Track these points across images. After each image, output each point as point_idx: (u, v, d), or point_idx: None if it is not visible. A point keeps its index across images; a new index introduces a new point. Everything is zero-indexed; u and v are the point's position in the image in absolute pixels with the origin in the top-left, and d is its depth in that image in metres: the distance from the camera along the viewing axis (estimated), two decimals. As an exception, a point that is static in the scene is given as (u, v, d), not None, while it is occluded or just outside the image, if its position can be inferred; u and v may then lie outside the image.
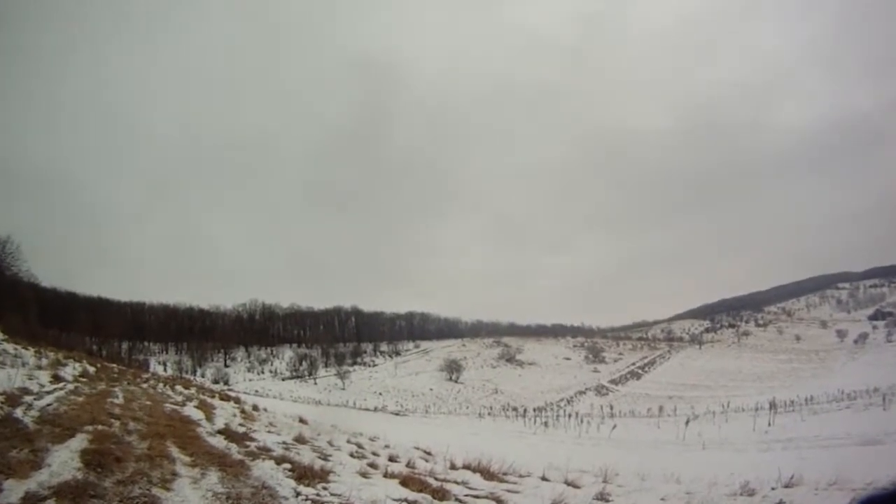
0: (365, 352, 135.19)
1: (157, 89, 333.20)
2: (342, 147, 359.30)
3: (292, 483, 7.47)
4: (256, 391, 75.27)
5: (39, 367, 22.29)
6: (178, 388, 30.84)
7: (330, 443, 13.60)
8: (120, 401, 16.22)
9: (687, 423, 36.36)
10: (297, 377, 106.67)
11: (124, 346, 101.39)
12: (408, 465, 10.86)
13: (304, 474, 8.00)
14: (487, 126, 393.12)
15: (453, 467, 10.75)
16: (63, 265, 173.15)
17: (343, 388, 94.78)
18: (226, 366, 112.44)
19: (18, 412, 10.33)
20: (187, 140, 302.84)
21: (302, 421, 20.69)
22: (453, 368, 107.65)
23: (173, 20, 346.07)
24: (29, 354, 26.64)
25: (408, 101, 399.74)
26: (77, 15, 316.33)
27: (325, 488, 7.45)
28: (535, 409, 68.40)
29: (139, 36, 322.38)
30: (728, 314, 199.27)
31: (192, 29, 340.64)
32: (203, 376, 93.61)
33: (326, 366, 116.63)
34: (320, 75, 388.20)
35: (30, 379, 16.76)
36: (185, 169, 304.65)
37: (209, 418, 15.22)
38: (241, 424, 15.18)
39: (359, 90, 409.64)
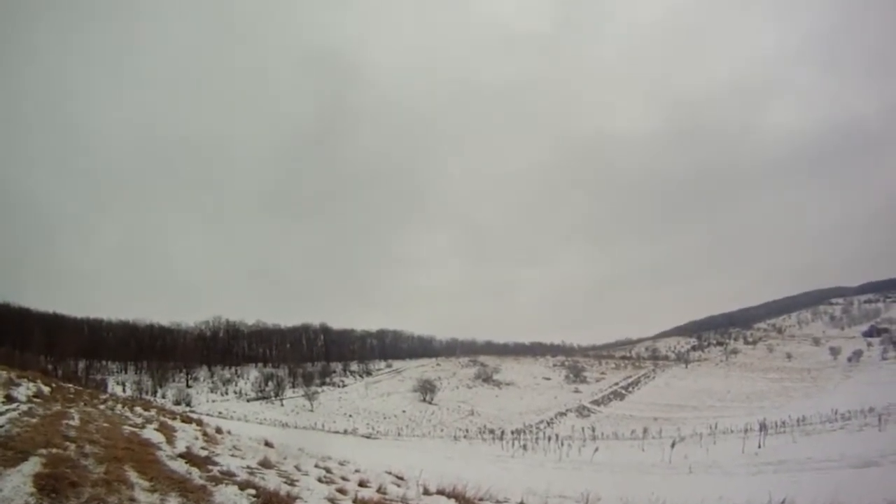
0: (334, 371, 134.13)
1: (103, 90, 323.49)
2: (303, 151, 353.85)
3: (257, 509, 7.41)
4: (220, 413, 74.21)
5: (-11, 387, 21.79)
6: (138, 409, 30.31)
7: (297, 467, 13.47)
8: (76, 422, 15.90)
9: (673, 445, 36.44)
10: (263, 398, 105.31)
11: (81, 364, 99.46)
12: (379, 490, 10.81)
13: (269, 500, 7.94)
14: (459, 129, 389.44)
15: (427, 493, 10.73)
16: (15, 279, 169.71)
17: (311, 410, 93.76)
18: (188, 386, 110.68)
19: (-34, 435, 10.10)
20: (137, 144, 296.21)
21: (268, 444, 20.47)
22: (427, 389, 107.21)
23: (120, 16, 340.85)
24: (-22, 373, 26.04)
25: (373, 99, 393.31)
26: (12, 10, 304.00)
27: (291, 514, 7.40)
28: (513, 432, 68.33)
29: (83, 33, 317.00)
30: (716, 331, 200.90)
31: (141, 25, 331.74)
32: (164, 397, 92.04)
33: (294, 386, 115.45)
34: (278, 72, 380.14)
35: (-21, 399, 16.40)
36: (135, 175, 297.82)
37: (170, 441, 14.99)
38: (203, 448, 14.97)
39: (320, 88, 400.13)
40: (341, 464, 16.90)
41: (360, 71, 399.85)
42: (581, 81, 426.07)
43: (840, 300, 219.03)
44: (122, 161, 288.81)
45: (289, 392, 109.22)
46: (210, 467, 10.71)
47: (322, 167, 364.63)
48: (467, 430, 76.26)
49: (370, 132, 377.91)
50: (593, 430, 69.27)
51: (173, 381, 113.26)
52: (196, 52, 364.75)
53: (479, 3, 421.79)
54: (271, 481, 9.99)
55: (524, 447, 48.70)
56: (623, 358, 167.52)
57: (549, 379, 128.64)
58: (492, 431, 70.56)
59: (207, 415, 52.68)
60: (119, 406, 31.29)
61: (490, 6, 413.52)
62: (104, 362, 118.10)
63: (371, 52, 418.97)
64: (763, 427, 40.52)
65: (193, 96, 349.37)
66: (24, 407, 17.63)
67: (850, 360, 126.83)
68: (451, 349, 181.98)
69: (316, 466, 14.54)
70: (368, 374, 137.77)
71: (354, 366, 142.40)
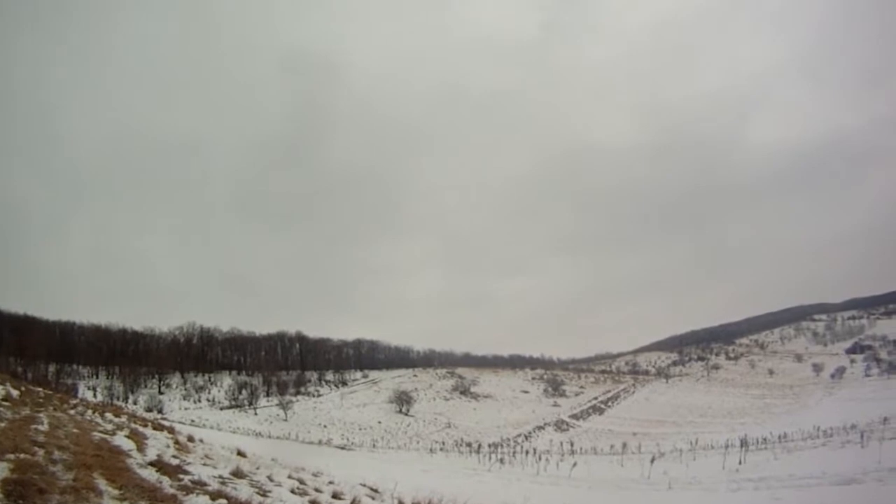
0: (309, 381, 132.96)
1: (77, 89, 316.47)
2: (279, 155, 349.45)
3: (229, 519, 7.39)
4: (192, 421, 73.40)
5: (-46, 390, 21.45)
6: (109, 415, 29.87)
7: (270, 478, 13.40)
8: (45, 428, 15.68)
9: (652, 460, 36.56)
10: (237, 407, 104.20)
11: (51, 368, 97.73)
12: (353, 502, 10.80)
13: (241, 511, 7.91)
14: (438, 136, 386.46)
15: (401, 505, 10.73)
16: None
17: (285, 420, 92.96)
18: (160, 393, 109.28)
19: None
20: (110, 144, 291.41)
21: (240, 453, 20.30)
22: (403, 400, 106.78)
23: (92, 14, 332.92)
24: (-56, 375, 25.61)
25: (350, 103, 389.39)
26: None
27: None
28: (490, 445, 68.11)
29: (58, 32, 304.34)
30: (697, 346, 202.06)
31: (116, 24, 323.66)
32: (135, 403, 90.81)
33: (268, 395, 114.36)
34: (254, 73, 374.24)
35: (-57, 402, 16.14)
36: (106, 176, 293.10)
37: (140, 449, 14.83)
38: (174, 456, 14.83)
39: (297, 90, 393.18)
40: (315, 475, 16.81)
41: (337, 74, 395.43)
42: (564, 90, 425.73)
43: (823, 316, 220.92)
44: (96, 161, 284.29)
45: (263, 401, 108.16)
46: (181, 476, 10.63)
47: (298, 172, 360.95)
48: (444, 443, 76.03)
49: (348, 137, 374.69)
50: (572, 444, 69.34)
51: (145, 387, 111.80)
52: (171, 52, 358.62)
53: (459, 7, 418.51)
54: (243, 492, 9.95)
55: (501, 461, 48.67)
56: (603, 372, 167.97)
57: (527, 392, 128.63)
58: (469, 444, 70.31)
59: (180, 422, 52.09)
60: (89, 411, 30.85)
61: (471, 11, 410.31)
62: (75, 366, 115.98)
63: (348, 54, 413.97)
64: (744, 443, 40.60)
65: (168, 97, 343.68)
66: (-10, 411, 17.37)
67: (832, 376, 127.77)
68: (429, 360, 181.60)
69: (289, 477, 14.47)
70: (344, 384, 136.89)
71: (330, 375, 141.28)
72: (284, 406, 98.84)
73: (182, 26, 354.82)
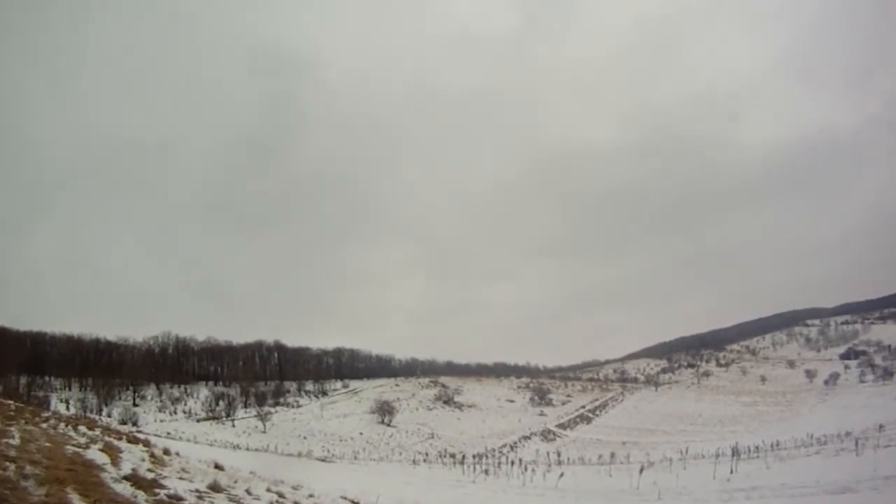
0: (288, 391, 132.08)
1: (37, 91, 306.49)
2: (251, 157, 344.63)
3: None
4: (168, 433, 72.52)
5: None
6: (82, 428, 29.56)
7: (248, 491, 13.36)
8: (16, 441, 15.50)
9: (641, 470, 36.48)
10: (214, 418, 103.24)
11: (22, 380, 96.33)
12: (332, 515, 10.79)
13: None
14: (417, 136, 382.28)
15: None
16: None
17: (264, 431, 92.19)
18: (135, 405, 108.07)
19: None
20: (73, 147, 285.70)
21: (218, 467, 20.18)
22: (385, 410, 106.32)
23: (56, 13, 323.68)
24: None
25: (324, 102, 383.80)
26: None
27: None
28: (474, 456, 67.90)
29: (17, 32, 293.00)
30: (687, 353, 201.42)
31: (77, 22, 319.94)
32: (109, 416, 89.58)
33: (246, 406, 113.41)
34: (222, 70, 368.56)
35: None
36: (72, 180, 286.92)
37: (115, 462, 14.71)
38: (150, 470, 14.72)
39: (268, 88, 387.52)
40: (294, 488, 16.76)
41: (310, 71, 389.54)
42: (547, 88, 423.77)
43: (816, 321, 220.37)
44: (61, 165, 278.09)
45: (241, 412, 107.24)
46: (157, 490, 10.58)
47: (272, 172, 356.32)
48: (427, 454, 75.75)
49: (322, 137, 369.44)
50: (559, 454, 69.20)
51: (120, 399, 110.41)
52: (135, 50, 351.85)
53: (436, 1, 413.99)
54: (221, 505, 9.93)
55: (486, 472, 48.52)
56: (590, 380, 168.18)
57: (512, 401, 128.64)
58: (452, 455, 70.10)
59: (155, 435, 51.49)
60: (62, 425, 30.49)
61: (448, 6, 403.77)
62: (47, 378, 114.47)
63: (321, 51, 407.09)
64: (735, 452, 40.22)
65: (134, 96, 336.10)
66: (-41, 425, 17.15)
67: (826, 383, 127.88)
68: (411, 369, 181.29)
69: (268, 491, 14.43)
70: (324, 394, 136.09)
71: (310, 385, 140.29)
72: (263, 417, 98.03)
73: (147, 23, 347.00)
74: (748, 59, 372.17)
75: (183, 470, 16.43)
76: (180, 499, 9.90)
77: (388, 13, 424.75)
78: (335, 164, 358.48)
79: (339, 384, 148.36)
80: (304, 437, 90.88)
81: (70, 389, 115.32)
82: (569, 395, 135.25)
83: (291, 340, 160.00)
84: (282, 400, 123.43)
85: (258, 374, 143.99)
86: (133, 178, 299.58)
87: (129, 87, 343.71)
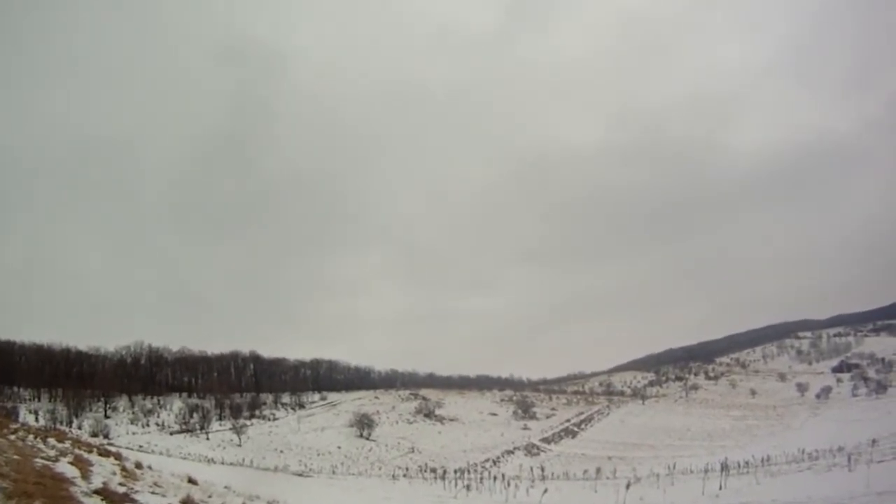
0: (264, 403, 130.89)
1: None
2: (218, 154, 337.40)
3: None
4: (141, 446, 71.65)
5: None
6: (51, 440, 29.19)
7: (223, 506, 13.28)
8: (-19, 455, 15.33)
9: (628, 486, 36.38)
10: (188, 431, 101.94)
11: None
12: (308, 530, 10.76)
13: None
14: (395, 136, 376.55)
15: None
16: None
17: (239, 445, 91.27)
18: (106, 417, 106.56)
19: None
20: (34, 148, 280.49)
21: (191, 481, 20.01)
22: (364, 424, 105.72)
23: (10, 6, 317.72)
24: None
25: (297, 98, 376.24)
26: None
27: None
28: (456, 471, 67.45)
29: None
30: (675, 365, 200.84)
31: (38, 14, 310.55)
32: (80, 428, 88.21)
33: (221, 419, 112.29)
34: (188, 64, 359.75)
35: None
36: (30, 184, 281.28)
37: (85, 476, 14.56)
38: (121, 484, 14.59)
39: (237, 86, 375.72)
40: (270, 503, 16.67)
41: (281, 64, 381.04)
42: (530, 88, 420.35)
43: (808, 333, 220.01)
44: (19, 168, 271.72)
45: (215, 425, 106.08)
46: (129, 505, 10.50)
47: (243, 173, 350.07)
48: (407, 469, 75.31)
49: (295, 135, 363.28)
50: (543, 469, 68.92)
51: (91, 410, 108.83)
52: (98, 44, 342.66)
53: None
54: (195, 520, 9.86)
55: (468, 487, 48.33)
56: (575, 393, 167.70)
57: (495, 415, 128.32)
58: (433, 470, 69.68)
59: (127, 448, 50.84)
60: (31, 437, 30.10)
61: (428, 1, 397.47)
62: (15, 388, 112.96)
63: (293, 42, 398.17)
64: (725, 467, 39.92)
65: (90, 92, 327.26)
66: (-77, 436, 16.90)
67: (818, 396, 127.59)
68: (391, 381, 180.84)
69: (243, 505, 14.35)
70: (301, 406, 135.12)
71: (286, 398, 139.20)
72: (238, 430, 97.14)
73: (104, 12, 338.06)
74: (743, 59, 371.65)
75: (155, 484, 16.28)
76: (153, 513, 9.84)
77: (364, 9, 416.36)
78: (310, 163, 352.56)
79: (316, 396, 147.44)
80: (281, 451, 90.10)
81: (39, 400, 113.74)
82: (553, 409, 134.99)
83: (268, 351, 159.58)
84: (257, 412, 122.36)
85: (233, 386, 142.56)
86: (100, 178, 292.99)
87: (85, 83, 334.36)
